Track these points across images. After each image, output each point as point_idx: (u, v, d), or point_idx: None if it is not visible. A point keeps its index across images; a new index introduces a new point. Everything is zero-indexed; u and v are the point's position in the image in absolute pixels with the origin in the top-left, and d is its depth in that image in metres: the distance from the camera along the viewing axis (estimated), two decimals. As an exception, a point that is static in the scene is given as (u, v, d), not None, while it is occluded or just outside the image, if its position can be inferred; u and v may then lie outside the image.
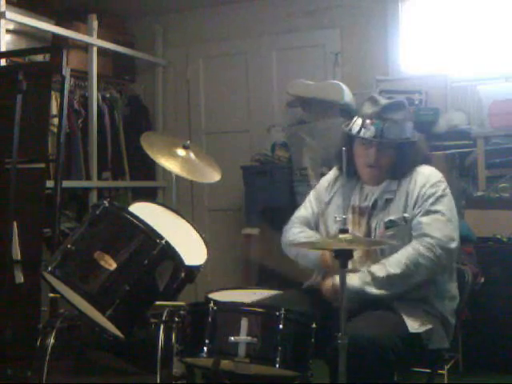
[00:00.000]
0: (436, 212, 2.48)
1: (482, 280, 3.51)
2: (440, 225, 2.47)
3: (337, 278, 2.25)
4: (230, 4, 5.24)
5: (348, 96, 4.43)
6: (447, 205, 2.53)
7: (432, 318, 2.47)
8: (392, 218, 2.53)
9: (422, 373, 2.71)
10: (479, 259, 3.61)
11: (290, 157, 4.71)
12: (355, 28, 4.89)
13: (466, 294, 2.65)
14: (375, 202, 2.59)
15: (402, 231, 2.51)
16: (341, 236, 2.17)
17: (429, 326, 2.43)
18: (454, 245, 2.47)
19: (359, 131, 2.56)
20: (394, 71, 4.77)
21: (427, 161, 2.68)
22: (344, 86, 4.43)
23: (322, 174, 2.91)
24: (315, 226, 2.74)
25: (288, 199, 4.53)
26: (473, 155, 4.23)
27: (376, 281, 2.42)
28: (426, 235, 2.45)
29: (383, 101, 2.59)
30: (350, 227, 2.49)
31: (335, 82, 4.56)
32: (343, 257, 2.11)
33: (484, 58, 4.53)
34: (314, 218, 2.75)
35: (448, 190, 2.57)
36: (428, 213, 2.49)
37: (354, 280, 2.41)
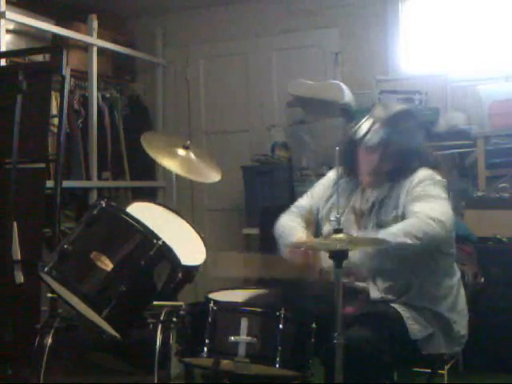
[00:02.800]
0: (425, 196, 2.43)
1: (482, 280, 3.50)
2: (430, 204, 2.40)
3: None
4: (230, 4, 5.24)
5: (348, 96, 4.43)
6: (437, 191, 2.46)
7: (434, 321, 2.45)
8: (383, 217, 2.49)
9: (422, 373, 2.72)
10: (479, 259, 3.60)
11: (289, 157, 4.71)
12: (355, 28, 4.89)
13: (466, 294, 2.65)
14: (373, 204, 2.57)
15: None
16: (335, 236, 2.16)
17: (429, 331, 2.42)
18: (444, 218, 2.36)
19: (365, 135, 2.53)
20: (393, 71, 4.77)
21: (434, 165, 2.62)
22: (344, 86, 4.43)
23: (322, 174, 2.91)
24: (315, 219, 2.72)
25: (288, 199, 4.52)
26: (473, 155, 4.23)
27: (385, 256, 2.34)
28: (415, 213, 2.37)
29: (394, 107, 2.58)
30: (349, 228, 2.48)
31: (335, 82, 4.56)
32: (338, 257, 2.10)
33: (484, 57, 4.53)
34: (313, 210, 2.73)
35: (440, 182, 2.51)
36: (417, 198, 2.43)
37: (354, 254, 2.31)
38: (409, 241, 2.29)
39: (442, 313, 2.47)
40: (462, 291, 2.58)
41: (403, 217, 2.45)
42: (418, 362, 2.60)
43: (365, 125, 2.56)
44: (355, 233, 2.47)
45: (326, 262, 2.24)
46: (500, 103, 4.16)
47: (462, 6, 4.63)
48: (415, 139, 2.58)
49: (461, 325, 2.52)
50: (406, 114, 2.59)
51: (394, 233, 2.32)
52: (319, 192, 2.77)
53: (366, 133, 2.53)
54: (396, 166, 2.55)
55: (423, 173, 2.55)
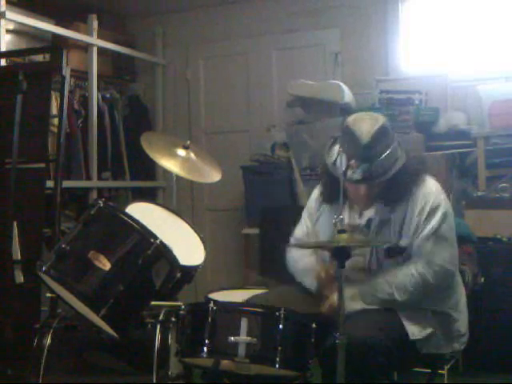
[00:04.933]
0: (437, 238, 2.43)
1: (482, 280, 3.51)
2: (442, 251, 2.43)
3: (335, 298, 2.24)
4: (230, 4, 5.24)
5: (348, 96, 4.42)
6: (448, 226, 2.46)
7: (433, 320, 2.45)
8: (390, 245, 2.46)
9: (422, 373, 2.72)
10: (479, 259, 3.60)
11: (289, 157, 4.70)
12: (355, 28, 4.88)
13: (466, 294, 2.65)
14: (369, 221, 2.52)
15: (402, 259, 2.46)
16: (339, 236, 2.17)
17: (429, 331, 2.42)
18: (455, 268, 2.48)
19: (345, 174, 2.39)
20: (393, 71, 4.77)
21: (423, 166, 2.59)
22: (344, 86, 4.43)
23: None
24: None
25: (288, 199, 4.53)
26: (473, 155, 4.23)
27: (377, 303, 2.42)
28: (431, 262, 2.40)
29: (363, 139, 2.38)
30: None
31: (335, 82, 4.56)
32: (341, 256, 2.10)
33: (484, 58, 4.53)
34: (310, 235, 2.70)
35: (447, 207, 2.49)
36: (428, 239, 2.42)
37: (357, 304, 2.41)
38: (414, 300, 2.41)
39: (445, 312, 2.47)
40: (463, 289, 2.59)
41: (411, 249, 2.45)
42: (417, 362, 2.59)
43: (342, 161, 2.40)
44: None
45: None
46: (500, 103, 4.15)
47: (461, 6, 4.63)
48: (398, 156, 2.47)
49: (462, 323, 2.52)
50: (378, 136, 2.41)
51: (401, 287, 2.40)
52: (308, 220, 2.73)
53: (346, 170, 2.40)
54: (385, 186, 2.48)
55: (423, 192, 2.47)
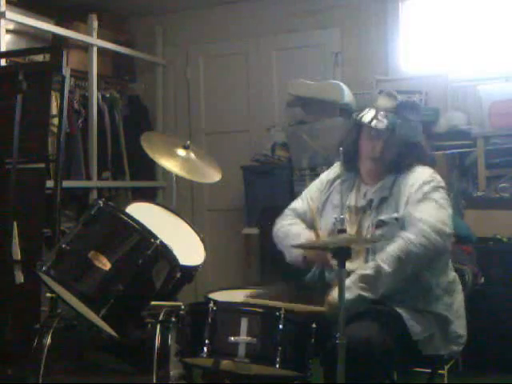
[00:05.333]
0: (427, 199, 2.44)
1: (482, 280, 3.51)
2: (432, 210, 2.41)
3: (335, 295, 2.22)
4: (229, 4, 5.24)
5: (348, 96, 4.42)
6: (439, 195, 2.47)
7: (433, 321, 2.44)
8: (383, 217, 2.48)
9: (422, 373, 2.72)
10: (479, 259, 3.61)
11: (289, 157, 4.71)
12: (355, 28, 4.89)
13: (466, 294, 2.64)
14: (370, 201, 2.56)
15: (392, 231, 2.44)
16: (339, 236, 2.17)
17: (430, 331, 2.42)
18: (448, 229, 2.40)
19: (371, 120, 2.53)
20: (393, 71, 4.77)
21: (431, 162, 2.64)
22: (344, 86, 4.43)
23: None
24: (309, 221, 2.69)
25: (288, 199, 4.50)
26: (473, 155, 4.23)
27: (369, 284, 2.35)
28: (418, 221, 2.37)
29: (400, 97, 2.61)
30: (349, 227, 2.48)
31: (335, 82, 4.56)
32: (341, 256, 2.10)
33: (484, 57, 4.53)
34: (309, 212, 2.71)
35: (441, 186, 2.51)
36: (418, 202, 2.44)
37: (348, 291, 2.34)
38: (408, 271, 2.36)
39: (441, 314, 2.46)
40: (459, 290, 2.56)
41: (403, 220, 2.44)
42: (418, 363, 2.59)
43: (370, 112, 2.56)
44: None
45: None
46: (500, 103, 4.16)
47: (461, 6, 4.63)
48: (418, 132, 2.61)
49: (458, 324, 2.51)
50: (412, 106, 2.63)
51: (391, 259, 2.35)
52: (313, 195, 2.75)
53: (372, 119, 2.53)
54: (397, 157, 2.55)
55: (424, 172, 2.54)
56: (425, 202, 2.43)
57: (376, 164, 2.59)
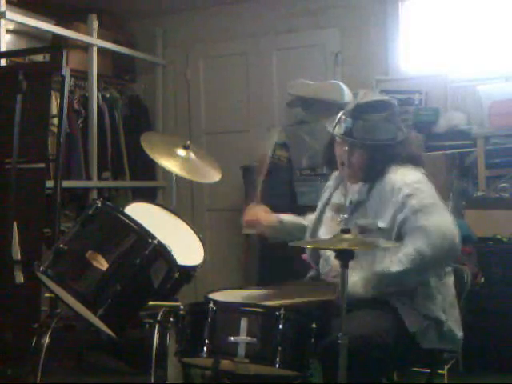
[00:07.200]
0: (425, 207, 2.38)
1: (482, 280, 3.51)
2: (435, 219, 2.36)
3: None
4: (229, 4, 5.24)
5: (348, 96, 4.42)
6: (427, 195, 2.41)
7: (426, 317, 2.44)
8: (362, 223, 2.45)
9: (422, 373, 2.72)
10: (479, 259, 3.61)
11: (289, 157, 4.70)
12: (355, 28, 4.88)
13: (466, 294, 2.64)
14: (351, 202, 2.54)
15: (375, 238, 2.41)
16: (343, 236, 2.17)
17: (425, 324, 2.41)
18: (455, 232, 2.36)
19: (334, 127, 2.52)
20: (393, 71, 4.77)
21: (415, 161, 2.56)
22: (344, 86, 4.43)
23: (322, 174, 2.91)
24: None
25: (288, 199, 4.53)
26: (473, 155, 4.23)
27: (383, 283, 2.37)
28: (424, 235, 2.34)
29: (359, 100, 2.52)
30: (328, 225, 2.48)
31: (335, 82, 4.56)
32: (344, 257, 2.10)
33: (484, 57, 4.53)
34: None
35: (422, 180, 2.45)
36: (416, 212, 2.37)
37: (357, 287, 2.36)
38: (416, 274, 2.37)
39: (431, 315, 2.44)
40: (452, 291, 2.54)
41: (399, 232, 2.40)
42: (417, 359, 2.57)
43: (336, 118, 2.53)
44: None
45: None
46: (500, 103, 4.16)
47: (461, 6, 4.62)
48: (384, 132, 2.49)
49: (452, 323, 2.49)
50: (374, 105, 2.49)
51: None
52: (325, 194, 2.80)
53: (336, 124, 2.51)
54: (368, 160, 2.49)
55: (398, 177, 2.45)
56: (423, 211, 2.36)
57: (346, 169, 2.49)
